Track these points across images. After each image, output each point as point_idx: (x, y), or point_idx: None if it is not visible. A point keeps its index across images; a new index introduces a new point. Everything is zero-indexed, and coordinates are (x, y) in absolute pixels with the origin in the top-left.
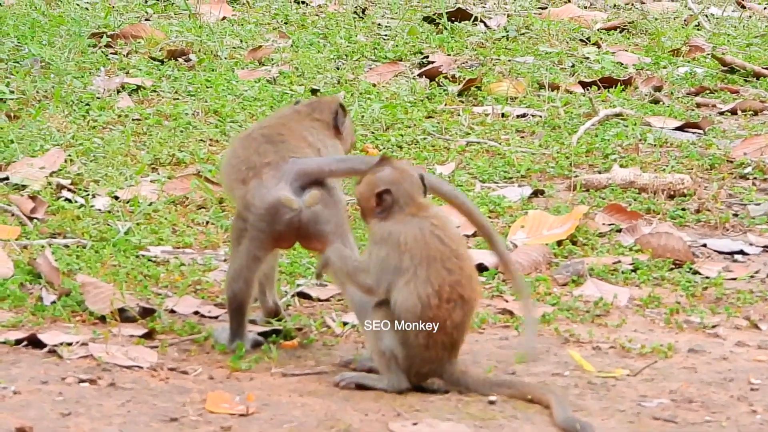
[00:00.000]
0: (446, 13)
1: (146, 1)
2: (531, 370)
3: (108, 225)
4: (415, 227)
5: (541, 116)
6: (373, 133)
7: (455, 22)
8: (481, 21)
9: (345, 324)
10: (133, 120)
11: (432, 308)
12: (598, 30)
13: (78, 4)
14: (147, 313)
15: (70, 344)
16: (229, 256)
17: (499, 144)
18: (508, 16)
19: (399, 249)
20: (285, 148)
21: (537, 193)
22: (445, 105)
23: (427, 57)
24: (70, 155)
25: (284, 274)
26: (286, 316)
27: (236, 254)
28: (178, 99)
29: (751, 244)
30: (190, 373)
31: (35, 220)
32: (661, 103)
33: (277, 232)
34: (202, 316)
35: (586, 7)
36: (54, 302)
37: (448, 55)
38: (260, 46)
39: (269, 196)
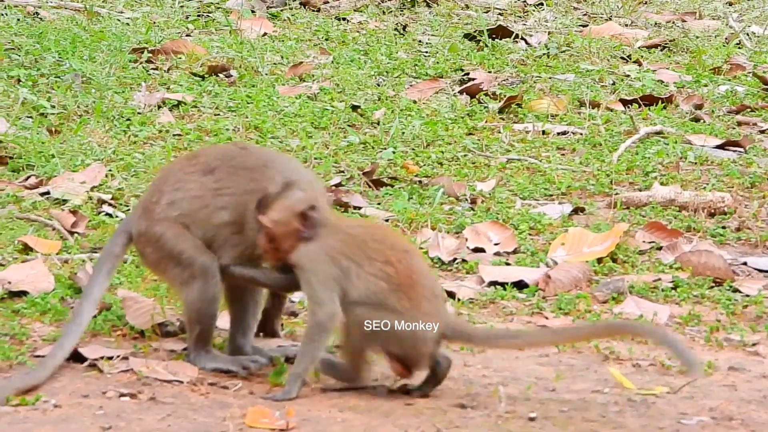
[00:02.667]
0: (487, 30)
1: (187, 17)
2: (571, 387)
3: None
4: (333, 239)
5: (581, 134)
6: (413, 149)
7: (496, 39)
8: (522, 38)
9: None
10: (173, 135)
11: (392, 276)
12: (638, 48)
13: (119, 20)
14: None
15: (110, 358)
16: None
17: (540, 161)
18: (549, 33)
19: (335, 259)
20: None
21: (577, 210)
22: (486, 122)
23: (467, 74)
24: (110, 170)
25: None
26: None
27: None
28: (218, 114)
29: None
30: (230, 387)
31: (76, 235)
32: (701, 121)
33: None
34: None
35: (627, 25)
36: (94, 317)
37: (489, 72)
38: (301, 62)
39: None
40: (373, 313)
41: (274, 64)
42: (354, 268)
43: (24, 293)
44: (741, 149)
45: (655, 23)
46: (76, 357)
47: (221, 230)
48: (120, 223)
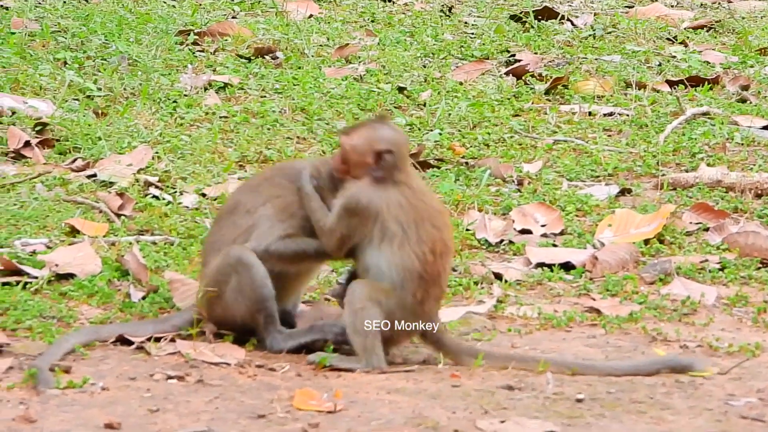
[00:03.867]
0: (533, 11)
1: None
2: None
3: (195, 222)
4: (396, 194)
5: (628, 115)
6: (459, 131)
7: (542, 21)
8: (568, 19)
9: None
10: (220, 117)
11: (429, 264)
12: (685, 29)
13: (165, 2)
14: None
15: (158, 341)
16: None
17: (586, 142)
18: (595, 14)
19: (376, 218)
20: None
21: (624, 191)
22: (532, 103)
23: (513, 55)
24: (157, 152)
25: None
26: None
27: None
28: (265, 96)
29: None
30: (277, 370)
31: (123, 217)
32: (748, 101)
33: None
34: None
35: (672, 6)
36: (142, 299)
37: (535, 53)
38: (347, 44)
39: None
40: (387, 291)
41: (320, 45)
42: (400, 236)
43: (71, 276)
44: None
45: (701, 4)
46: (123, 340)
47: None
48: None
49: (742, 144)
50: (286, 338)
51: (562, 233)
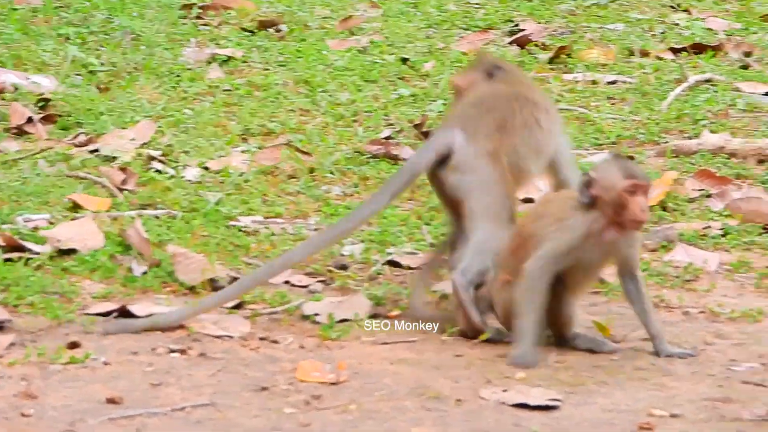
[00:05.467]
0: None
1: None
2: (621, 336)
3: (198, 196)
4: None
5: (631, 83)
6: None
7: None
8: None
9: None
10: (223, 91)
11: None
12: None
13: None
14: None
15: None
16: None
17: (590, 111)
18: None
19: None
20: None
21: (627, 159)
22: (536, 72)
23: (517, 25)
24: (160, 126)
25: (374, 242)
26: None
27: None
28: (268, 69)
29: None
30: (280, 342)
31: (126, 192)
32: (751, 68)
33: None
34: (293, 285)
35: None
36: (144, 273)
37: (539, 23)
38: (350, 16)
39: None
40: None
41: (324, 18)
42: None
43: (73, 251)
44: None
45: None
46: (125, 313)
47: None
48: None
49: (745, 110)
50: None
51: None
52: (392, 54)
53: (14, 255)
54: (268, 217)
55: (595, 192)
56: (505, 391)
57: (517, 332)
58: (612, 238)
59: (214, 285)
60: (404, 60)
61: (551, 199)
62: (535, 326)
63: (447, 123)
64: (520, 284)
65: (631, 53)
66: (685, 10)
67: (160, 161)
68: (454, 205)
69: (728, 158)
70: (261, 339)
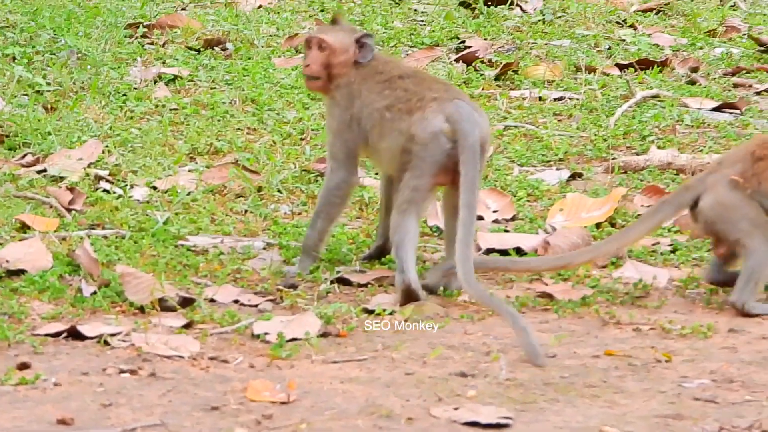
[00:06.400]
0: None
1: None
2: (572, 353)
3: (146, 215)
4: None
5: (578, 99)
6: None
7: (491, 7)
8: (518, 5)
9: (384, 310)
10: (170, 110)
11: None
12: (634, 12)
13: None
14: (187, 302)
15: (113, 335)
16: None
17: (537, 127)
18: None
19: None
20: (451, 89)
21: (575, 176)
22: (483, 89)
23: (463, 42)
24: (107, 146)
25: (323, 261)
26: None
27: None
28: (215, 88)
29: None
30: (230, 361)
31: (74, 212)
32: (697, 84)
33: (437, 162)
34: (242, 304)
35: None
36: (94, 293)
37: (485, 39)
38: (297, 34)
39: (431, 127)
40: None
41: (270, 36)
42: None
43: (22, 272)
44: (737, 111)
45: None
46: (75, 335)
47: None
48: None
49: (692, 126)
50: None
51: (513, 219)
52: None
53: None
54: (216, 236)
55: None
56: (456, 409)
57: None
58: None
59: (162, 305)
60: None
61: None
62: None
63: None
64: None
65: (578, 69)
66: (631, 26)
67: (108, 181)
68: None
69: (676, 174)
70: (211, 358)
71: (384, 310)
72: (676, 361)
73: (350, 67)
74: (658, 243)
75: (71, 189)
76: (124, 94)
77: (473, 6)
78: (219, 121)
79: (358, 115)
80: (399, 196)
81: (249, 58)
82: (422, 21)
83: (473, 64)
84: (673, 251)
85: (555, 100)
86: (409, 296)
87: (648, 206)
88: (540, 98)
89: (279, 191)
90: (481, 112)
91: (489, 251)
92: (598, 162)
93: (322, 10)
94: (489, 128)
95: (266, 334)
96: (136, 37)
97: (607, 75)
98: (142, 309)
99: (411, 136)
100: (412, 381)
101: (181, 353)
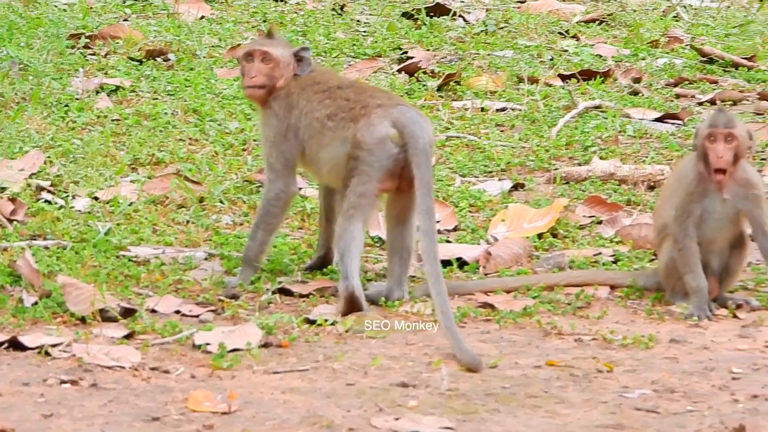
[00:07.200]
0: (425, 8)
1: (124, 2)
2: (513, 363)
3: (88, 226)
4: None
5: (520, 110)
6: None
7: (434, 18)
8: (460, 16)
9: (326, 320)
10: (112, 120)
11: None
12: (576, 23)
13: (56, 6)
14: (128, 313)
15: (54, 346)
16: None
17: (479, 138)
18: (487, 10)
19: None
20: (393, 96)
21: (517, 186)
22: (425, 100)
23: (406, 53)
24: (49, 157)
25: (265, 271)
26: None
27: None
28: (157, 99)
29: None
30: (171, 372)
31: (15, 222)
32: (640, 94)
33: (384, 167)
34: (184, 315)
35: (564, 0)
36: (35, 304)
37: (427, 50)
38: (239, 45)
39: (377, 132)
40: None
41: (212, 47)
42: None
43: None
44: (679, 122)
45: None
46: (16, 345)
47: None
48: None
49: (635, 136)
50: None
51: (455, 229)
52: None
53: None
54: (158, 247)
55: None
56: (397, 419)
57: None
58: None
59: (104, 315)
60: None
61: None
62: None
63: None
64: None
65: (520, 80)
66: (574, 37)
67: (50, 192)
68: None
69: (618, 184)
70: (152, 369)
71: (326, 321)
72: (618, 372)
73: (290, 79)
74: (599, 253)
75: (12, 200)
76: (66, 105)
77: (416, 17)
78: (161, 131)
79: (295, 125)
80: (345, 202)
81: (191, 69)
82: (365, 32)
83: (416, 75)
84: (615, 262)
85: (497, 110)
86: (351, 304)
87: (591, 216)
88: (482, 109)
89: (221, 202)
90: (426, 117)
91: None
92: (541, 172)
93: (264, 21)
94: (433, 134)
95: (207, 344)
96: (78, 48)
97: (550, 86)
98: (83, 319)
99: (357, 143)
100: (353, 391)
101: (123, 364)
